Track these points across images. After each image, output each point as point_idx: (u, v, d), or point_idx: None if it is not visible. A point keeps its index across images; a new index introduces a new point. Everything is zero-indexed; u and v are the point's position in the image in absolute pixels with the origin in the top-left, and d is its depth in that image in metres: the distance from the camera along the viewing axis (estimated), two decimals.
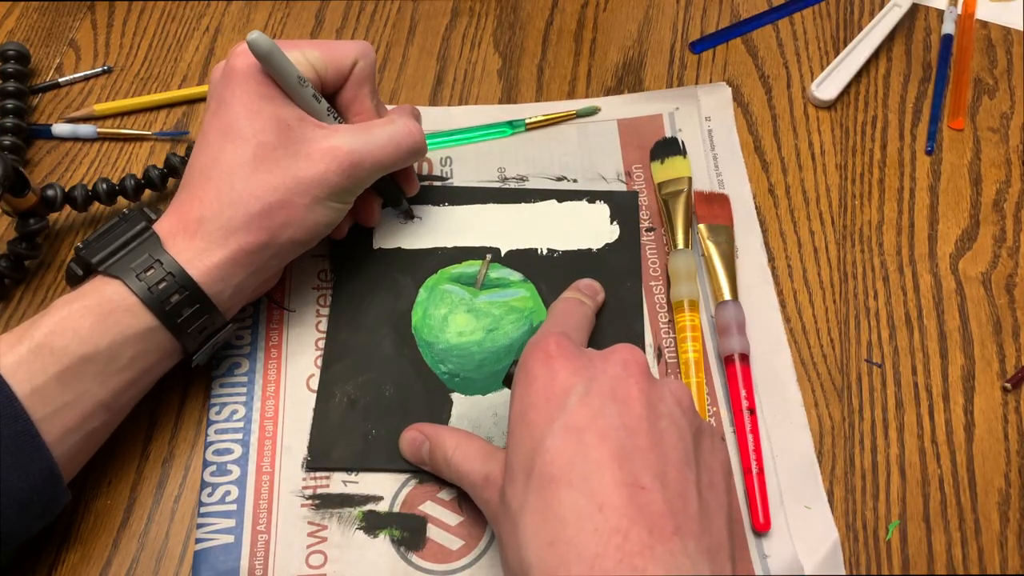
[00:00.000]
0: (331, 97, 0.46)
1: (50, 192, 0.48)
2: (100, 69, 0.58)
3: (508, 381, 0.41)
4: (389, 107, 0.49)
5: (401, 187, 0.50)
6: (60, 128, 0.55)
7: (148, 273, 0.39)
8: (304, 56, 0.43)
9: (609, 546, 0.31)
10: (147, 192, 0.51)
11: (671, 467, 0.34)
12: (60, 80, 0.57)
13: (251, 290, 0.44)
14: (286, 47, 0.42)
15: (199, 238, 0.41)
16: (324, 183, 0.42)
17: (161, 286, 0.39)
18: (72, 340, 0.38)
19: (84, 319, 0.38)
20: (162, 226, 0.41)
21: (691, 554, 0.32)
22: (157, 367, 0.42)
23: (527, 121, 0.56)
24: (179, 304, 0.40)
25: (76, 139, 0.55)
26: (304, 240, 0.43)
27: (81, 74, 0.58)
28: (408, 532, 0.43)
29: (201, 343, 0.42)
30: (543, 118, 0.56)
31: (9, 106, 0.54)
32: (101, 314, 0.39)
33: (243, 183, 0.41)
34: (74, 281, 0.43)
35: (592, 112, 0.56)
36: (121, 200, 0.51)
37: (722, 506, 0.35)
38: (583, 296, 0.46)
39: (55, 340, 0.38)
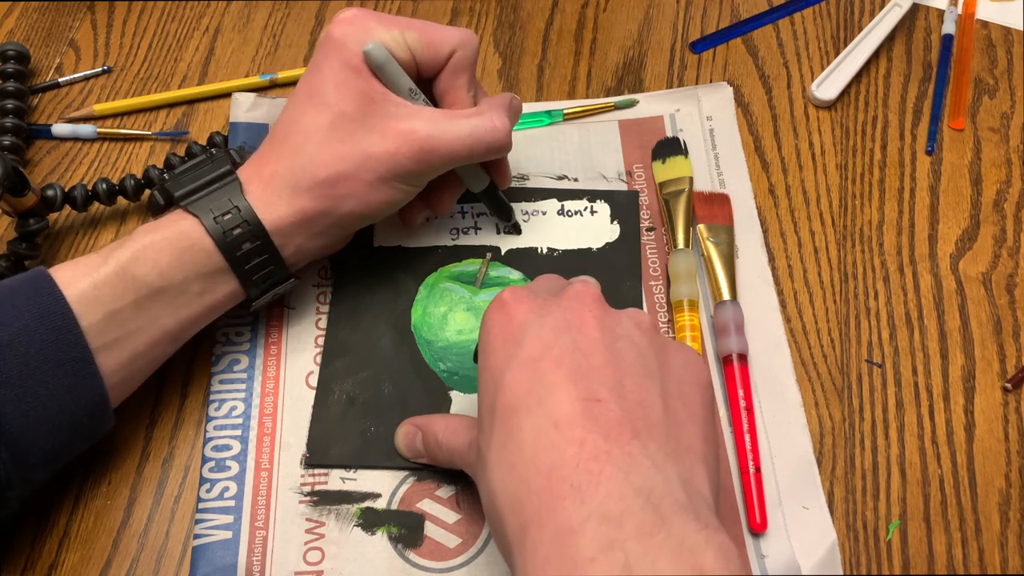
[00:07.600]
0: (428, 83, 0.45)
1: (50, 192, 0.48)
2: (100, 69, 0.58)
3: (476, 356, 0.40)
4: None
5: (495, 180, 0.49)
6: (60, 128, 0.55)
7: (226, 217, 0.41)
8: (403, 36, 0.43)
9: (565, 456, 0.31)
10: (146, 192, 0.51)
11: (628, 379, 0.33)
12: (60, 80, 0.57)
13: (313, 252, 0.45)
14: (385, 24, 0.43)
15: (270, 191, 0.42)
16: (392, 163, 0.42)
17: (236, 232, 0.41)
18: (152, 270, 0.40)
19: (164, 251, 0.40)
20: (242, 173, 0.43)
21: (652, 455, 0.31)
22: (221, 306, 0.43)
23: (564, 111, 0.56)
24: (249, 252, 0.41)
25: (76, 139, 0.55)
26: (366, 215, 0.44)
27: (81, 74, 0.58)
28: (406, 529, 0.42)
29: (262, 291, 0.43)
30: (580, 109, 0.56)
31: (9, 106, 0.54)
32: (179, 248, 0.40)
33: (315, 148, 0.42)
34: (155, 210, 0.44)
35: (630, 104, 0.56)
36: (121, 200, 0.51)
37: (694, 416, 0.35)
38: None
39: (136, 267, 0.40)
